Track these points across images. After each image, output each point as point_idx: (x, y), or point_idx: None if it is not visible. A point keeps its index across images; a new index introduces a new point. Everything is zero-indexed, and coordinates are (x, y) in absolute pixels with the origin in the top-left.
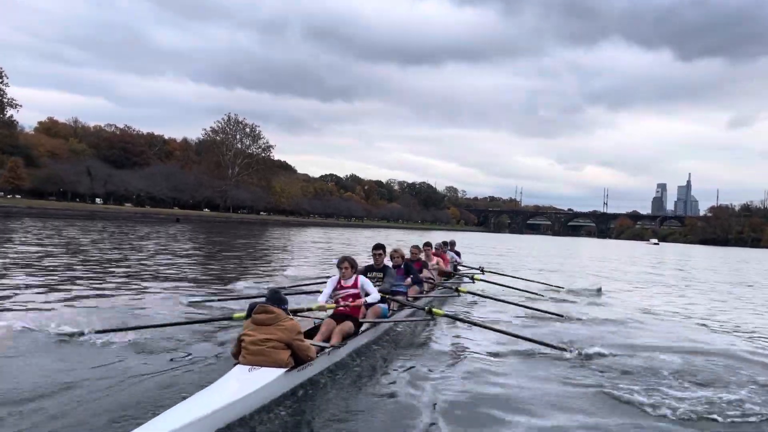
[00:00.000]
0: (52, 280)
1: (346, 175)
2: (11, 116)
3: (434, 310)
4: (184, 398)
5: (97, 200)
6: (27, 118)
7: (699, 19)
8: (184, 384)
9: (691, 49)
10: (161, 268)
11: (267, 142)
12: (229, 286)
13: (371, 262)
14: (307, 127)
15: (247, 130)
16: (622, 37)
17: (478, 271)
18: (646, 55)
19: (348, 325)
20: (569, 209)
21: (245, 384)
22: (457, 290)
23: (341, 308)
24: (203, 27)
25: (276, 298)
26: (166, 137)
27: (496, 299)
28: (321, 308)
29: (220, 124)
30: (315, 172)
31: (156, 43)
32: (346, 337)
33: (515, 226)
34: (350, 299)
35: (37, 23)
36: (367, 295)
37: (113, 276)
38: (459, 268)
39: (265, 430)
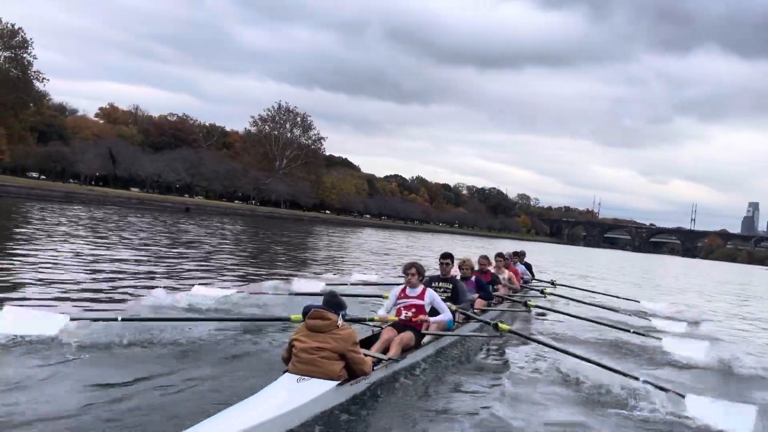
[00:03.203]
0: None
1: (412, 177)
2: (39, 90)
3: (500, 325)
4: (229, 405)
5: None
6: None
7: None
8: (231, 386)
9: None
10: None
11: (318, 134)
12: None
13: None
14: (381, 129)
15: (298, 119)
16: (718, 44)
17: (549, 285)
18: (743, 65)
19: (408, 336)
20: (651, 224)
21: (293, 396)
22: (526, 305)
23: (402, 320)
24: (286, 27)
25: (333, 302)
26: (228, 129)
27: (568, 314)
28: (382, 320)
29: (269, 113)
30: (382, 173)
31: (240, 42)
32: (406, 349)
33: (591, 238)
34: (413, 309)
35: (129, 20)
36: (436, 313)
37: None
38: (531, 281)
39: None
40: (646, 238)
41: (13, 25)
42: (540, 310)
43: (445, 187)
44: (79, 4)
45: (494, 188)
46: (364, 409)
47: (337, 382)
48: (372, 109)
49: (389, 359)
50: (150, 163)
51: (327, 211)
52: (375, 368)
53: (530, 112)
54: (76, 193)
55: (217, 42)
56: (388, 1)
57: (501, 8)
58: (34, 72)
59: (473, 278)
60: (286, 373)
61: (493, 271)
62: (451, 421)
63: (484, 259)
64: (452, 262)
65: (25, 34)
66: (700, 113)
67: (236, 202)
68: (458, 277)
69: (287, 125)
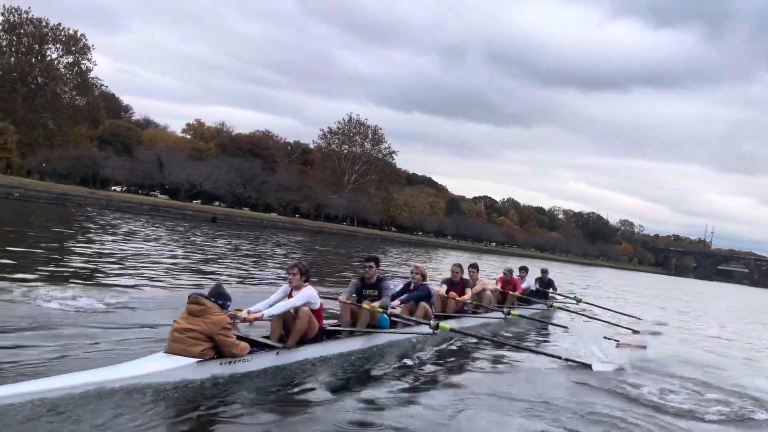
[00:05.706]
0: None
1: (503, 199)
2: (96, 91)
3: (441, 324)
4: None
5: (115, 188)
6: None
7: None
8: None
9: None
10: None
11: (389, 147)
12: None
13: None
14: (480, 152)
15: (369, 132)
16: None
17: (573, 301)
18: None
19: (302, 325)
20: None
21: (150, 366)
22: (508, 313)
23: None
24: (387, 51)
25: (217, 292)
26: (311, 146)
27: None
28: (244, 320)
29: (340, 126)
30: (471, 194)
31: (343, 67)
32: (305, 340)
33: (702, 270)
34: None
35: (239, 46)
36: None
37: None
38: (553, 296)
39: (164, 413)
40: (766, 272)
41: (75, 31)
42: (523, 321)
43: (539, 210)
44: (196, 33)
45: (593, 213)
46: (224, 388)
47: (196, 360)
48: (470, 131)
49: (283, 347)
50: (189, 170)
51: (393, 229)
52: (258, 352)
53: (637, 136)
54: (71, 196)
55: (322, 67)
56: (489, 24)
57: (609, 28)
58: (93, 78)
59: (422, 284)
60: (161, 352)
61: (465, 278)
62: (310, 413)
63: (457, 267)
64: (375, 265)
65: (86, 40)
66: None
67: (289, 216)
68: (413, 284)
69: (357, 138)
